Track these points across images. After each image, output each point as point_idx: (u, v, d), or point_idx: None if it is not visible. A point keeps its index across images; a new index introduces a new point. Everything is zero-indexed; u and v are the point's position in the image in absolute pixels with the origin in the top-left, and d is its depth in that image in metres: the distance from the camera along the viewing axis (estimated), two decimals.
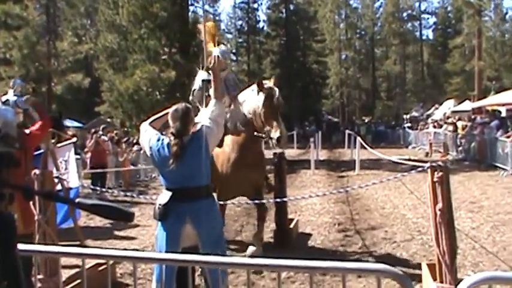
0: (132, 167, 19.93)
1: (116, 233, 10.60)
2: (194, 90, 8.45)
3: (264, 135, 7.25)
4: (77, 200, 2.42)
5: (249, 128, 7.39)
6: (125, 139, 22.76)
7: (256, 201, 7.89)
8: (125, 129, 28.00)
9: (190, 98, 8.42)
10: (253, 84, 7.52)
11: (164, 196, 4.55)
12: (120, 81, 26.95)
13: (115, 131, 22.91)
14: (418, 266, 6.51)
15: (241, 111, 7.49)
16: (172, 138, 4.56)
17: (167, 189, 4.58)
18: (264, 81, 7.33)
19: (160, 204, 4.52)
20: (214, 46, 8.27)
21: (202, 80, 8.36)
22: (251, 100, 7.35)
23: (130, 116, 27.24)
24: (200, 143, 4.60)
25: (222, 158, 7.52)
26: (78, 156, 14.66)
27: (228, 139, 7.54)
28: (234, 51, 69.85)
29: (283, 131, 6.99)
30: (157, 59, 27.15)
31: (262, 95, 7.13)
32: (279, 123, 6.98)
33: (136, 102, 26.52)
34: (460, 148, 24.84)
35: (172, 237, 4.47)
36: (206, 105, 7.23)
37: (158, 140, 4.65)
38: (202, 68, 8.47)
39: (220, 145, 7.34)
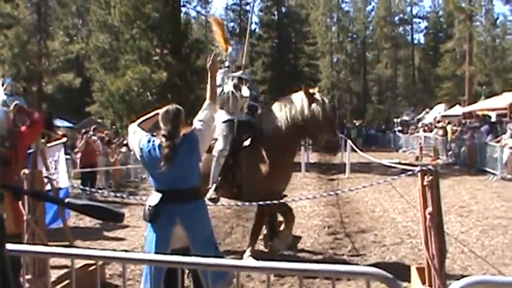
0: (122, 167, 19.89)
1: (106, 233, 10.58)
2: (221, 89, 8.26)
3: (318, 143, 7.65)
4: (67, 200, 2.42)
5: (292, 133, 7.68)
6: (116, 139, 22.71)
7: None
8: (116, 129, 27.95)
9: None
10: (297, 92, 7.90)
11: (154, 197, 4.55)
12: (111, 82, 26.88)
13: (105, 132, 22.88)
14: (408, 270, 6.53)
15: (282, 115, 7.76)
16: (163, 140, 4.55)
17: (157, 190, 4.58)
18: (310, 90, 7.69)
19: (150, 206, 4.52)
20: (226, 44, 8.51)
21: (239, 78, 8.45)
22: (300, 108, 7.61)
23: (121, 117, 27.16)
24: (191, 146, 4.62)
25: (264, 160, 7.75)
26: (68, 156, 14.58)
27: (271, 142, 7.72)
28: None
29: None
30: (149, 59, 27.10)
31: (317, 106, 7.48)
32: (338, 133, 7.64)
33: (127, 103, 26.45)
34: (450, 152, 24.95)
35: (162, 239, 4.46)
36: (237, 107, 8.14)
37: (149, 142, 4.64)
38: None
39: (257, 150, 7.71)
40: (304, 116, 7.58)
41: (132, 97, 26.40)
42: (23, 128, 6.07)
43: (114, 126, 28.97)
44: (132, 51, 27.02)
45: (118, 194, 11.16)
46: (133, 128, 4.91)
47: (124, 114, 26.73)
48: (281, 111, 7.84)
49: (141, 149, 4.65)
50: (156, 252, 4.37)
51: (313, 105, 7.52)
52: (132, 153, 20.56)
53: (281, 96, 8.65)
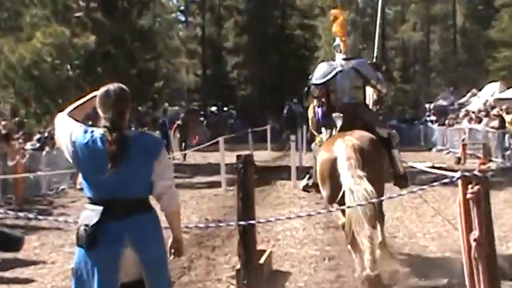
0: (28, 174, 19.69)
1: (1, 274, 10.42)
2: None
3: None
4: None
5: None
6: (19, 134, 22.53)
7: None
8: (19, 119, 27.68)
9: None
10: None
11: (91, 212, 4.63)
12: (11, 48, 26.59)
13: (3, 122, 22.66)
14: None
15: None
16: (107, 132, 4.61)
17: (94, 202, 4.67)
18: None
19: (87, 225, 4.58)
20: (343, 37, 11.17)
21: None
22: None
23: (27, 100, 26.92)
24: (148, 151, 4.74)
25: None
26: None
27: None
28: (182, 8, 69.46)
29: None
30: (68, 16, 26.91)
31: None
32: None
33: (37, 80, 26.20)
34: (509, 152, 25.07)
35: (108, 271, 4.56)
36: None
37: (85, 132, 4.71)
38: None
39: None
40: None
41: (44, 71, 26.18)
42: None
43: (16, 115, 28.75)
44: (43, 4, 26.79)
45: (21, 214, 11.05)
46: (61, 118, 4.99)
47: (31, 96, 26.49)
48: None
49: (73, 143, 4.71)
50: None
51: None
52: (43, 153, 20.47)
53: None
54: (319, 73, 10.61)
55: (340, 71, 10.43)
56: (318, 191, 10.39)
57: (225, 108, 58.23)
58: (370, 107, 11.45)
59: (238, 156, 9.19)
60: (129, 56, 28.16)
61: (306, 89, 11.20)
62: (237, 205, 8.98)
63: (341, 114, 10.21)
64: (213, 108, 58.65)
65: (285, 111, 46.57)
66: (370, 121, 10.34)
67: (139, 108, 31.76)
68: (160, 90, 35.85)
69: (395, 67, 66.36)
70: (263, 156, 29.90)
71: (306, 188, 11.17)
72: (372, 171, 8.73)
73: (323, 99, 10.68)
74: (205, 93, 61.40)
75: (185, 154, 29.20)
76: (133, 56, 29.00)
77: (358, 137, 9.28)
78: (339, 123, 10.12)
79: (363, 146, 9.00)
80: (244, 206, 8.95)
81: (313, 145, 11.17)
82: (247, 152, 9.82)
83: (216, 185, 20.19)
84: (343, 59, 10.70)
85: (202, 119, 51.61)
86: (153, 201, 4.83)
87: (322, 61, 11.76)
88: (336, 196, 8.82)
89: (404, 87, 63.26)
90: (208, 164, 26.75)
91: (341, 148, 8.90)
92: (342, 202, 8.65)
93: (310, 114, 11.23)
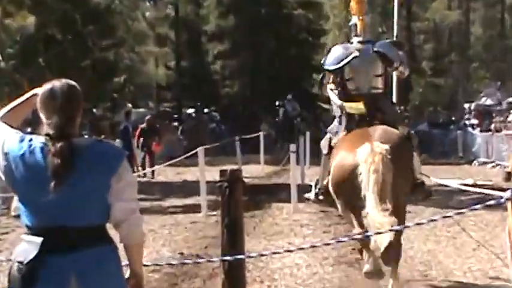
0: None
1: None
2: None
3: None
4: None
5: None
6: None
7: None
8: None
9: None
10: None
11: (29, 245, 4.53)
12: None
13: None
14: None
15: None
16: (49, 141, 4.52)
17: (33, 232, 4.58)
18: None
19: (21, 262, 4.50)
20: (362, 15, 11.84)
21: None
22: None
23: None
24: (106, 161, 4.67)
25: None
26: None
27: None
28: None
29: None
30: None
31: None
32: None
33: None
34: None
35: None
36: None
37: (22, 141, 4.62)
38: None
39: None
40: None
41: None
42: None
43: None
44: None
45: None
46: None
47: None
48: None
49: (6, 154, 4.62)
50: None
51: None
52: None
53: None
54: (333, 57, 11.49)
55: (357, 57, 11.23)
56: (329, 201, 11.06)
57: (206, 110, 57.92)
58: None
59: (222, 172, 9.13)
60: (80, 42, 28.19)
61: (320, 76, 12.37)
62: (221, 235, 8.94)
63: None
64: (190, 110, 58.30)
65: (280, 115, 46.38)
66: (391, 116, 11.24)
67: (95, 110, 31.82)
68: (121, 87, 35.95)
69: (425, 56, 65.93)
70: (255, 171, 30.07)
71: (316, 200, 12.02)
72: (399, 181, 9.52)
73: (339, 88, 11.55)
74: (180, 90, 60.95)
75: (153, 170, 29.06)
76: (86, 43, 29.03)
77: (385, 138, 9.85)
78: (356, 117, 10.85)
79: (392, 153, 9.44)
80: (230, 236, 8.90)
81: (322, 142, 11.68)
82: (234, 167, 9.78)
83: (194, 209, 20.18)
84: (360, 42, 11.54)
85: (176, 123, 51.30)
86: (111, 230, 4.77)
87: (336, 44, 13.12)
88: (354, 205, 9.59)
89: (437, 82, 63.10)
90: (184, 182, 26.84)
91: (368, 157, 9.37)
92: (357, 208, 9.51)
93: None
